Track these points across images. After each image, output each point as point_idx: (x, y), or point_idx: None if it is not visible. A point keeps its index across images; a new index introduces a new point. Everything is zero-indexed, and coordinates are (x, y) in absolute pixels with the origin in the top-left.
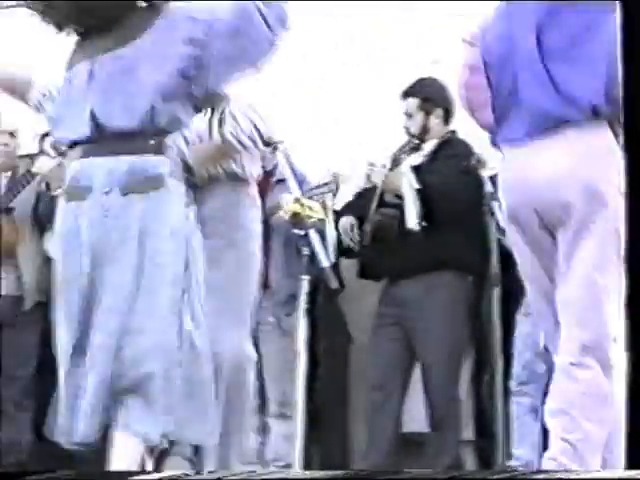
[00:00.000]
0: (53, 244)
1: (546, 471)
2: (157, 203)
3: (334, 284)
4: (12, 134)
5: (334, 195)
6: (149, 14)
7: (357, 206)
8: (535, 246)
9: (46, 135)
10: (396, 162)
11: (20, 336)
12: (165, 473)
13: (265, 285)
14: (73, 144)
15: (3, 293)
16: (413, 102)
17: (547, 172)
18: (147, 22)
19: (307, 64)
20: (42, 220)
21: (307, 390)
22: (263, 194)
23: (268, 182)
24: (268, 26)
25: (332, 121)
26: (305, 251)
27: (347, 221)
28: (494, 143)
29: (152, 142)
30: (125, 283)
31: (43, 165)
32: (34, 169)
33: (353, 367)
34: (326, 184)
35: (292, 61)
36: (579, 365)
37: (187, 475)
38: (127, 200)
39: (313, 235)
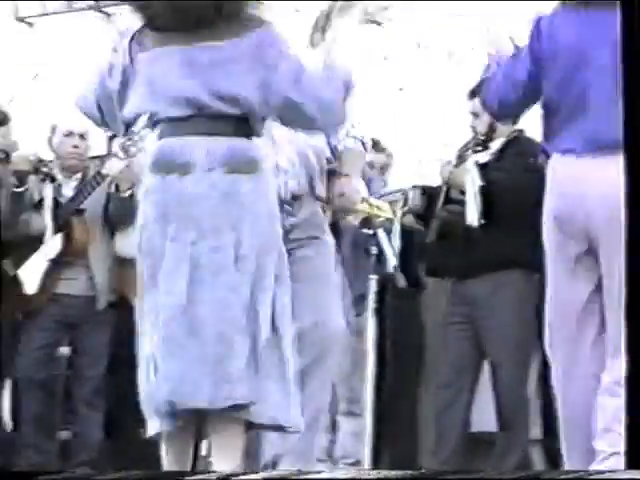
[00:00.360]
0: (142, 212)
1: (613, 471)
2: (258, 184)
3: (402, 283)
4: (82, 136)
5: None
6: (254, 20)
7: (424, 202)
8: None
9: (115, 136)
10: (462, 159)
11: (92, 336)
12: (216, 474)
13: None
14: (166, 120)
15: (75, 294)
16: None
17: (602, 189)
18: (250, 25)
19: (384, 65)
20: (113, 221)
21: (376, 389)
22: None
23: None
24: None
25: (400, 119)
26: (373, 250)
27: (414, 191)
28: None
29: (248, 126)
30: (225, 259)
31: (113, 166)
32: (104, 170)
33: (423, 365)
34: (400, 190)
35: (368, 62)
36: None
37: (244, 474)
38: (231, 179)
39: (381, 234)
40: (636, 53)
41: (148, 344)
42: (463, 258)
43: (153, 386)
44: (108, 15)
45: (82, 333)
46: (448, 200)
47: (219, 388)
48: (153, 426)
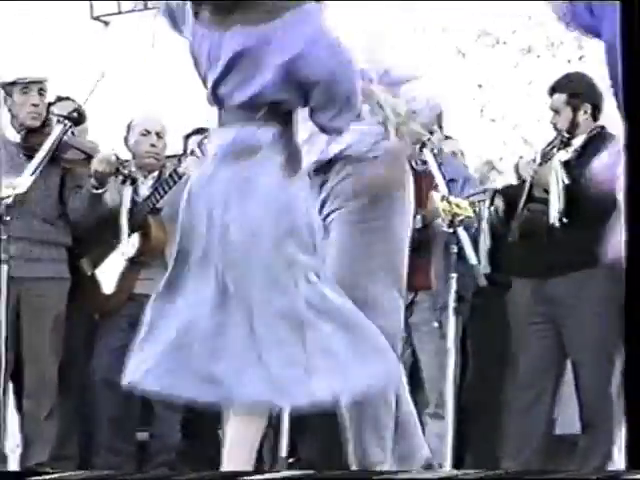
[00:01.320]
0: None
1: (612, 471)
2: (260, 170)
3: (483, 281)
4: (159, 135)
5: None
6: (284, 5)
7: (506, 199)
8: None
9: (192, 135)
10: (546, 157)
11: None
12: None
13: (427, 286)
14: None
15: (152, 293)
16: (560, 98)
17: None
18: (279, 12)
19: (462, 62)
20: None
21: (459, 389)
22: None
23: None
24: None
25: (479, 116)
26: (454, 249)
27: (498, 203)
28: None
29: (260, 113)
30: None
31: (190, 165)
32: (180, 169)
33: (505, 366)
34: (482, 192)
35: (446, 59)
36: None
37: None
38: (234, 165)
39: (461, 233)
40: (636, 53)
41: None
42: (545, 257)
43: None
44: None
45: None
46: (530, 199)
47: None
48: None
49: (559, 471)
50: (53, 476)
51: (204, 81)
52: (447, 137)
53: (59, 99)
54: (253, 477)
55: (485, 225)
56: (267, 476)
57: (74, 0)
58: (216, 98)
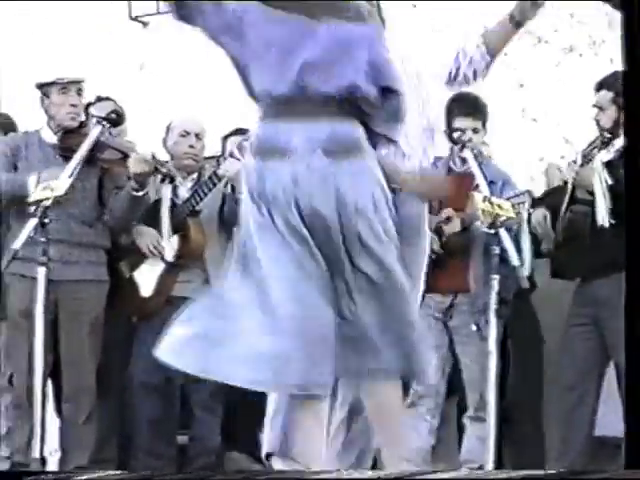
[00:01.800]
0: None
1: (612, 471)
2: (361, 169)
3: (525, 283)
4: (198, 136)
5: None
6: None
7: (548, 203)
8: None
9: (230, 136)
10: (587, 158)
11: None
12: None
13: (466, 289)
14: (273, 98)
15: (191, 296)
16: (606, 95)
17: None
18: (369, 12)
19: (504, 61)
20: (229, 222)
21: (500, 391)
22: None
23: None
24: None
25: (523, 117)
26: (495, 250)
27: (540, 213)
28: None
29: (350, 108)
30: (332, 239)
31: (229, 167)
32: (220, 171)
33: (546, 368)
34: (522, 194)
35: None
36: None
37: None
38: (333, 163)
39: (503, 234)
40: (636, 53)
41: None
42: (589, 258)
43: None
44: None
45: None
46: (573, 200)
47: None
48: None
49: (601, 471)
50: (55, 476)
51: (274, 65)
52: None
53: (99, 99)
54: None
55: (526, 227)
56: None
57: (112, 0)
58: (296, 85)
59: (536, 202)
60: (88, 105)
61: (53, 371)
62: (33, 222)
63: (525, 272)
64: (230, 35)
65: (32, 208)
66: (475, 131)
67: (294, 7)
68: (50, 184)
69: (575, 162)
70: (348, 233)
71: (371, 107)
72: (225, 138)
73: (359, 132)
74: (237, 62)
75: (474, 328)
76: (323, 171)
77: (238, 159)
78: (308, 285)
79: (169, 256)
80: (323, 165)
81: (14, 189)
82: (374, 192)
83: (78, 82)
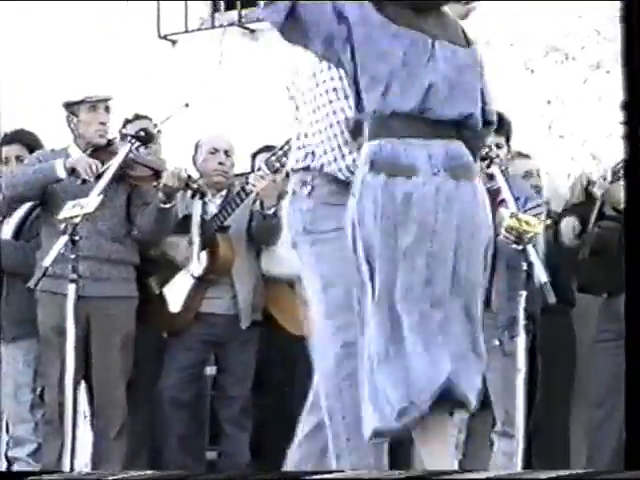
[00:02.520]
0: (357, 211)
1: (612, 471)
2: (478, 190)
3: (552, 299)
4: (227, 153)
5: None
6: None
7: (576, 214)
8: None
9: (259, 153)
10: (617, 175)
11: (237, 355)
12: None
13: (486, 304)
14: (392, 115)
15: (220, 312)
16: None
17: None
18: (469, 38)
19: (531, 77)
20: (257, 238)
21: (528, 406)
22: None
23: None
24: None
25: (550, 133)
26: (523, 266)
27: (570, 222)
28: None
29: (462, 131)
30: (445, 262)
31: (257, 183)
32: (248, 187)
33: (574, 383)
34: (540, 205)
35: (514, 74)
36: None
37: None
38: (456, 183)
39: (531, 250)
40: (636, 53)
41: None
42: (617, 274)
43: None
44: (252, 31)
45: (227, 352)
46: (601, 216)
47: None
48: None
49: (601, 471)
50: (55, 476)
51: (397, 83)
52: (522, 154)
53: (137, 117)
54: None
55: (541, 240)
56: (327, 476)
57: (140, 17)
58: (420, 105)
59: (563, 214)
60: (126, 123)
61: (85, 387)
62: (63, 239)
63: (543, 279)
64: (340, 48)
65: (62, 225)
66: (498, 147)
67: (408, 20)
68: (80, 202)
69: (605, 179)
70: (462, 253)
71: (472, 133)
72: (254, 155)
73: (469, 154)
74: (349, 76)
75: (497, 343)
76: (448, 192)
77: (267, 175)
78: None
79: (197, 272)
80: (448, 186)
81: (44, 175)
82: (486, 213)
83: (106, 100)
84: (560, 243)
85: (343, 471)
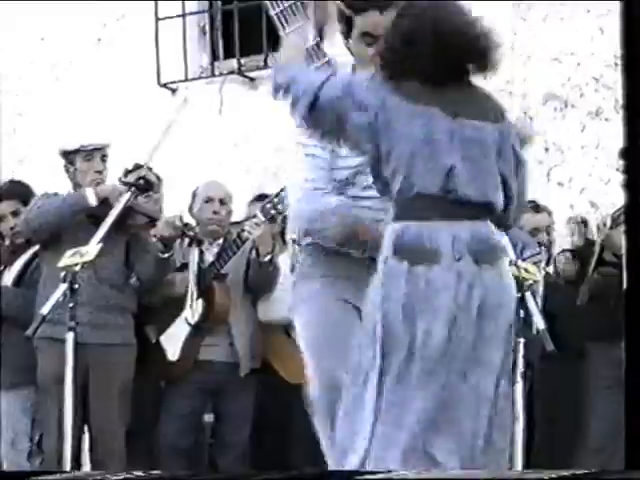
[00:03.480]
0: (384, 296)
1: (612, 471)
2: (503, 273)
3: (550, 346)
4: (222, 201)
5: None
6: (499, 108)
7: (575, 266)
8: None
9: (255, 201)
10: (617, 221)
11: (235, 403)
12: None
13: None
14: (416, 196)
15: (217, 360)
16: None
17: None
18: (499, 112)
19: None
20: (253, 286)
21: (526, 454)
22: None
23: None
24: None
25: (548, 180)
26: (521, 314)
27: (563, 255)
28: None
29: (487, 211)
30: (471, 350)
31: (253, 231)
32: (244, 234)
33: (575, 430)
34: (539, 253)
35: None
36: None
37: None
38: (480, 268)
39: (529, 297)
40: (635, 23)
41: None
42: (616, 320)
43: None
44: (251, 79)
45: (225, 400)
46: (601, 262)
47: None
48: None
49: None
50: (55, 476)
51: (421, 165)
52: (536, 208)
53: (137, 167)
54: None
55: (541, 288)
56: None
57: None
58: (443, 187)
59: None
60: (127, 173)
61: (83, 434)
62: (62, 287)
63: (541, 326)
64: (362, 137)
65: (62, 273)
66: None
67: (428, 97)
68: (80, 250)
69: (605, 224)
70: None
71: (499, 214)
72: (250, 203)
73: (495, 235)
74: (372, 161)
75: None
76: (471, 277)
77: (263, 223)
78: None
79: (194, 320)
80: (470, 271)
81: (75, 202)
82: (511, 297)
83: (102, 148)
84: (557, 280)
85: (345, 471)
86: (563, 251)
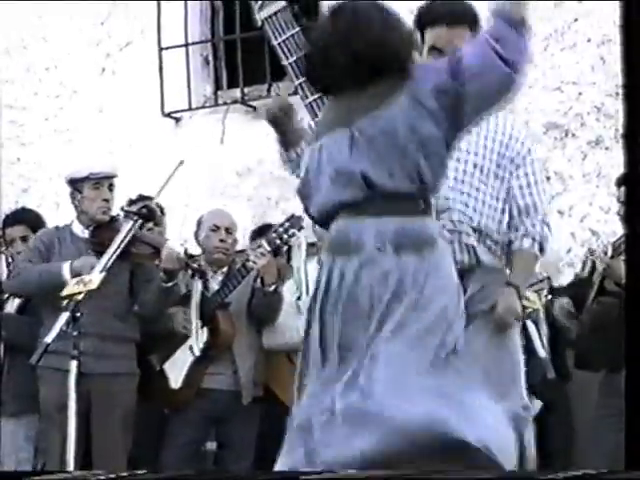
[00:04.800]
0: (310, 299)
1: (612, 471)
2: (430, 262)
3: (551, 374)
4: (228, 230)
5: (548, 290)
6: (398, 78)
7: (574, 292)
8: None
9: (260, 230)
10: (618, 250)
11: (238, 431)
12: None
13: None
14: (338, 208)
15: (221, 388)
16: None
17: None
18: (398, 84)
19: None
20: (258, 315)
21: None
22: None
23: None
24: (505, 62)
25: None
26: (522, 341)
27: (564, 303)
28: None
29: (421, 204)
30: (395, 337)
31: (258, 260)
32: (249, 264)
33: (576, 459)
34: (542, 280)
35: None
36: None
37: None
38: (401, 258)
39: (530, 325)
40: (636, 52)
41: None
42: (617, 349)
43: None
44: (254, 109)
45: (228, 428)
46: (602, 291)
47: None
48: None
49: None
50: (56, 476)
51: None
52: None
53: (141, 198)
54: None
55: (542, 316)
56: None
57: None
58: (365, 188)
59: (562, 291)
60: (130, 203)
61: (85, 463)
62: (65, 316)
63: (542, 354)
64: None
65: (64, 302)
66: None
67: (331, 119)
68: (83, 279)
69: (606, 253)
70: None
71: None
72: (255, 232)
73: (432, 228)
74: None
75: None
76: (388, 265)
77: (268, 252)
78: None
79: (198, 348)
80: (389, 259)
81: (50, 278)
82: (440, 282)
83: (110, 177)
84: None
85: (346, 471)
86: (559, 293)
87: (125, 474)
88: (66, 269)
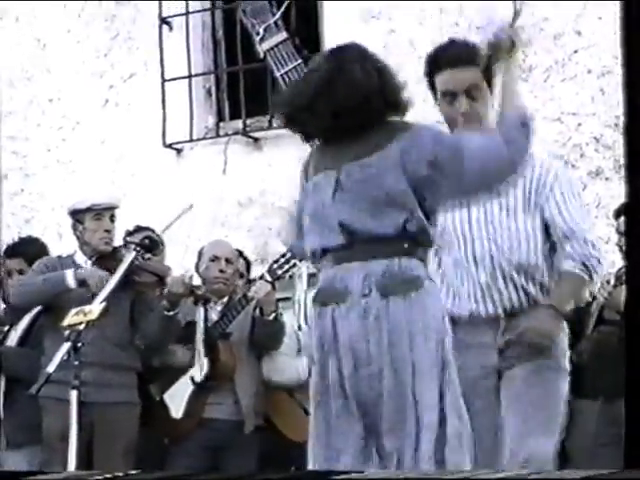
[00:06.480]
0: (310, 349)
1: (612, 471)
2: (417, 304)
3: None
4: (228, 260)
5: None
6: (396, 127)
7: (572, 320)
8: None
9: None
10: (620, 279)
11: (239, 460)
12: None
13: None
14: (324, 252)
15: (222, 418)
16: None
17: None
18: (393, 134)
19: None
20: (258, 345)
21: None
22: None
23: None
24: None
25: None
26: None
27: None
28: None
29: (406, 245)
30: (387, 384)
31: (259, 290)
32: (250, 294)
33: None
34: None
35: None
36: None
37: None
38: (387, 301)
39: None
40: (636, 53)
41: None
42: (615, 378)
43: None
44: (256, 140)
45: (229, 457)
46: (601, 320)
47: None
48: None
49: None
50: (55, 476)
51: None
52: None
53: (139, 229)
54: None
55: None
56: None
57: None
58: (347, 234)
59: None
60: (130, 233)
61: None
62: (66, 346)
63: None
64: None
65: (66, 332)
66: None
67: (317, 165)
68: (83, 309)
69: (608, 282)
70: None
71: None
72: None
73: (419, 269)
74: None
75: None
76: (376, 310)
77: (268, 282)
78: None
79: (199, 378)
80: (377, 304)
81: (53, 284)
82: (426, 326)
83: (112, 208)
84: None
85: (348, 472)
86: None
87: (121, 474)
88: (70, 275)
